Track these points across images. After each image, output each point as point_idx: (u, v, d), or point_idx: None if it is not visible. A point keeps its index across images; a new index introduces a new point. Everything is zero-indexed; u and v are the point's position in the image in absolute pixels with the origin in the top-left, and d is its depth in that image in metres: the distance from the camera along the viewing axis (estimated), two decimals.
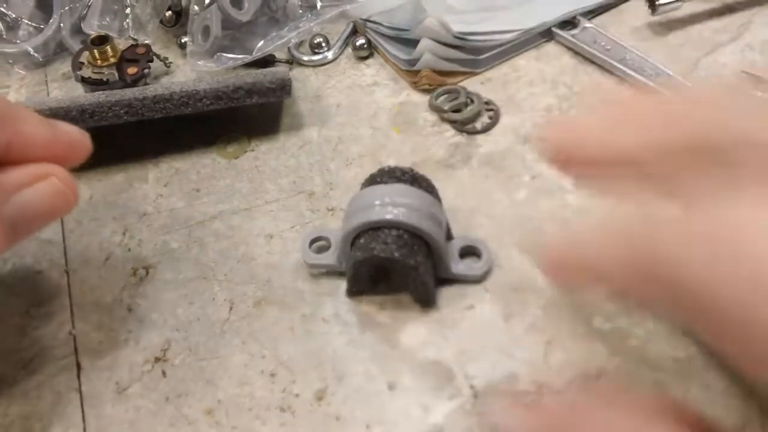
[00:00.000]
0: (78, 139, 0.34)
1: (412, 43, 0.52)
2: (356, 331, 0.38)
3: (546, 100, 0.49)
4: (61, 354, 0.39)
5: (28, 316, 0.41)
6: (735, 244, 0.21)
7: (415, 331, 0.38)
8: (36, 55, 0.56)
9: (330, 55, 0.55)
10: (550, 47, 0.54)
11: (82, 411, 0.36)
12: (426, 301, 0.38)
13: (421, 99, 0.51)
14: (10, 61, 0.56)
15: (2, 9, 0.57)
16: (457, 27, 0.51)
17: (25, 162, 0.32)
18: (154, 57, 0.53)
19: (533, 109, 0.49)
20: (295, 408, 0.36)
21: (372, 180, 0.40)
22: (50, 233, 0.45)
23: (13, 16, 0.57)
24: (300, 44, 0.56)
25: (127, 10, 0.57)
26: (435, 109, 0.50)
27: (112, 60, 0.51)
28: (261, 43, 0.53)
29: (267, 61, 0.55)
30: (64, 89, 0.55)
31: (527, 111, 0.49)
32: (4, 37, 0.57)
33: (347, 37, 0.56)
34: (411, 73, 0.52)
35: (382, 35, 0.54)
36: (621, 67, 0.49)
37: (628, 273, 0.24)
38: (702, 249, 0.22)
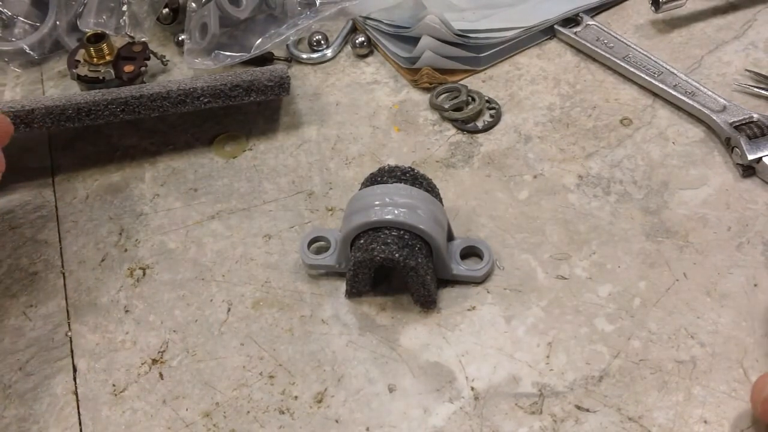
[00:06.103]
0: None
1: (413, 40, 0.51)
2: (356, 333, 0.38)
3: (548, 98, 0.49)
4: (58, 356, 0.38)
5: (24, 317, 0.40)
6: None
7: (416, 333, 0.38)
8: (32, 53, 0.56)
9: (329, 52, 0.54)
10: (552, 45, 0.53)
11: (78, 413, 0.36)
12: (427, 303, 0.38)
13: (422, 97, 0.50)
14: (6, 59, 0.56)
15: None
16: (458, 25, 0.51)
17: None
18: (151, 55, 0.53)
19: (535, 107, 0.49)
20: (294, 410, 0.35)
21: (372, 179, 0.39)
22: (46, 234, 0.44)
23: (9, 14, 0.57)
24: (299, 42, 0.56)
25: (124, 8, 0.56)
26: (436, 107, 0.49)
27: (109, 58, 0.51)
28: (259, 40, 0.53)
29: (265, 59, 0.54)
30: (60, 87, 0.55)
31: (529, 109, 0.49)
32: (0, 35, 0.57)
33: (347, 35, 0.56)
34: (411, 71, 0.51)
35: (382, 33, 0.54)
36: (624, 64, 0.49)
37: None
38: None
